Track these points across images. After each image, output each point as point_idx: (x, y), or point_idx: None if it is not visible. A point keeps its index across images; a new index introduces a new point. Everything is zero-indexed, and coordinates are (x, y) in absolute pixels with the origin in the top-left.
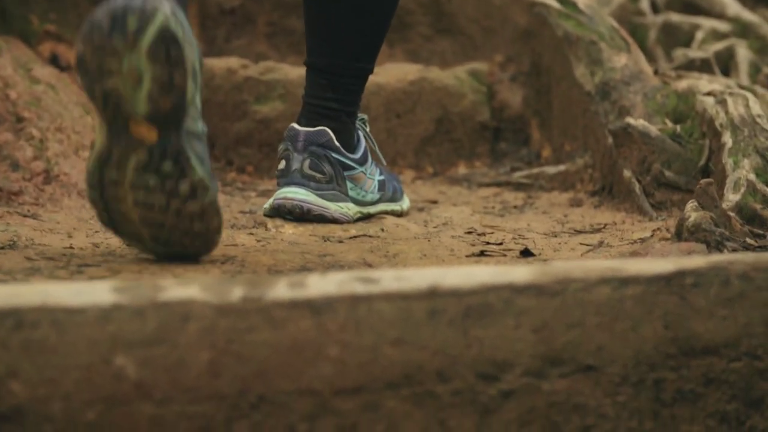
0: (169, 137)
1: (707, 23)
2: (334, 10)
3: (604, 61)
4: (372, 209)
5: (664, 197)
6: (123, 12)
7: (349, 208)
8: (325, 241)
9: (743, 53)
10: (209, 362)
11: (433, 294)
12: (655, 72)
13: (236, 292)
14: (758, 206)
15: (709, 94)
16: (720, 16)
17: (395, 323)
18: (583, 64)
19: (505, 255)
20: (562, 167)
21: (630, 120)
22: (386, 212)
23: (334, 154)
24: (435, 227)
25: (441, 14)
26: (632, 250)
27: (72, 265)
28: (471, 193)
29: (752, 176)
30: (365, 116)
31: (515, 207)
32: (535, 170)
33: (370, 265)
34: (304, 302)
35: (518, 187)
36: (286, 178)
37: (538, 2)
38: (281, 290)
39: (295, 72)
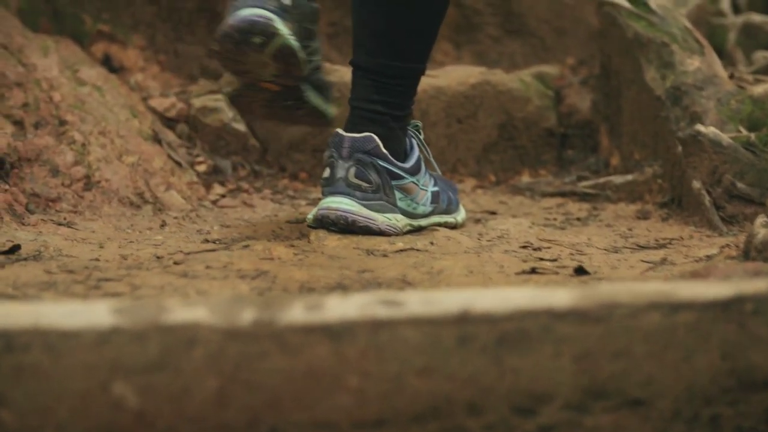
0: (288, 88)
1: None
2: (379, 4)
3: (676, 65)
4: (423, 222)
5: (735, 210)
6: (249, 30)
7: (397, 220)
8: (368, 254)
9: None
10: (216, 391)
11: (463, 319)
12: (731, 76)
13: (246, 315)
14: None
15: None
16: None
17: (421, 351)
18: (653, 67)
19: (557, 273)
20: (629, 177)
21: (700, 127)
22: (439, 224)
23: (381, 162)
24: (489, 241)
25: (510, 14)
26: (693, 270)
27: (91, 279)
28: (533, 203)
29: None
30: (419, 123)
31: (578, 219)
32: (602, 180)
33: (409, 283)
34: (321, 327)
35: (583, 197)
36: (330, 187)
37: (607, 2)
38: (296, 313)
39: (349, 73)
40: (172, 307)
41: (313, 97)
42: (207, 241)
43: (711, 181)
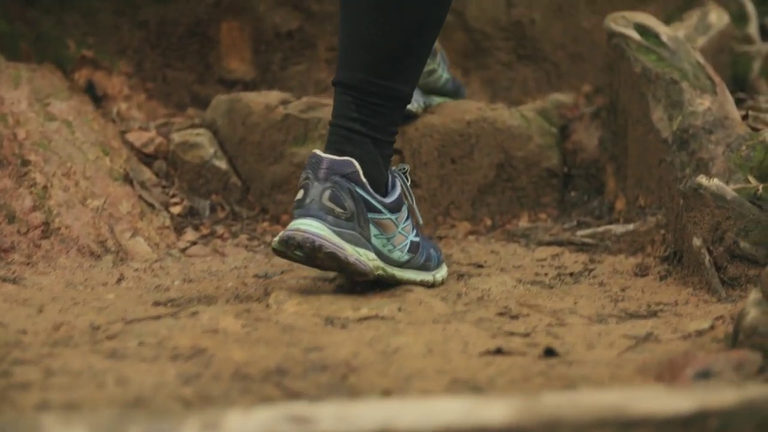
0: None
1: None
2: (359, 19)
3: (685, 104)
4: (398, 273)
5: (738, 272)
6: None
7: (369, 258)
8: (326, 324)
9: None
10: None
11: None
12: (745, 116)
13: None
14: None
15: None
16: None
17: None
18: (661, 106)
19: (524, 354)
20: (630, 227)
21: (702, 180)
22: (415, 281)
23: (358, 189)
24: (465, 305)
25: (523, 39)
26: (670, 358)
27: (6, 361)
28: (527, 253)
29: None
30: (407, 166)
31: (571, 274)
32: (601, 229)
33: (356, 369)
34: None
35: (581, 247)
36: (301, 209)
37: (616, 32)
38: None
39: None
40: (48, 425)
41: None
42: (158, 303)
43: (713, 238)
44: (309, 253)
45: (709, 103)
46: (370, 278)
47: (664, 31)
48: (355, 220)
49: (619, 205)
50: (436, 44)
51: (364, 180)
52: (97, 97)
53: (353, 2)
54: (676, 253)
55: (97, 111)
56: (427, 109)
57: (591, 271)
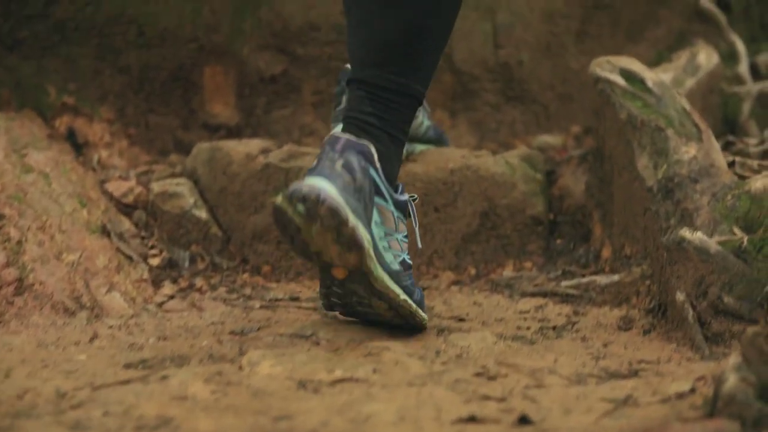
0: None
1: None
2: (371, 15)
3: (670, 152)
4: (386, 279)
5: (722, 328)
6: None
7: (367, 240)
8: (299, 388)
9: None
10: None
11: None
12: (732, 164)
13: None
14: None
15: None
16: None
17: None
18: (646, 153)
19: (498, 422)
20: (615, 277)
21: (685, 233)
22: (398, 298)
23: (371, 170)
24: (443, 363)
25: (511, 80)
26: (647, 428)
27: None
28: (510, 304)
29: None
30: (416, 196)
31: (553, 328)
32: (586, 279)
33: None
34: None
35: (566, 298)
36: (312, 172)
37: (602, 78)
38: None
39: None
40: None
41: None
42: (129, 365)
43: (696, 292)
44: (311, 208)
45: (694, 150)
46: (363, 257)
47: (649, 76)
48: (363, 195)
49: (606, 253)
50: None
51: (378, 164)
52: (77, 145)
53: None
54: (660, 305)
55: (76, 160)
56: (409, 157)
57: (574, 324)
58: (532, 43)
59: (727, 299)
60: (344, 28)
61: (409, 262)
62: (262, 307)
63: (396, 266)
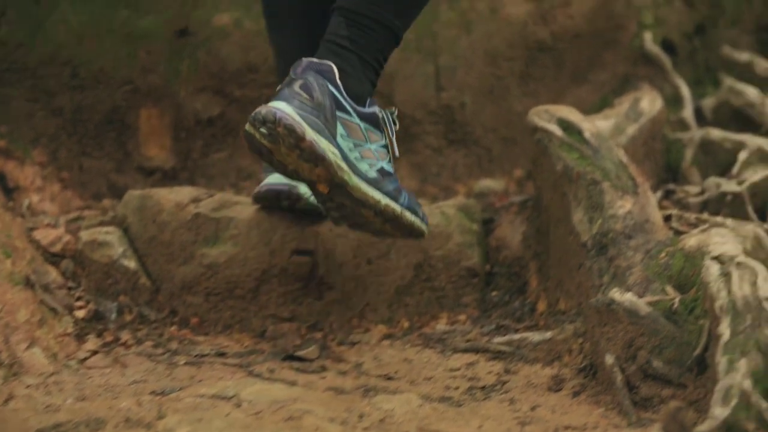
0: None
1: (753, 142)
2: None
3: (605, 206)
4: (364, 186)
5: (650, 392)
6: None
7: (330, 150)
8: None
9: None
10: None
11: None
12: (668, 218)
13: None
14: (751, 427)
15: (717, 258)
16: None
17: None
18: (582, 207)
19: None
20: (548, 334)
21: (615, 295)
22: (379, 202)
23: (330, 86)
24: (365, 429)
25: (453, 123)
26: None
27: None
28: (441, 361)
29: (748, 384)
30: (394, 109)
31: (482, 388)
32: (518, 336)
33: None
34: None
35: (497, 355)
36: (273, 96)
37: (539, 127)
38: None
39: (250, 210)
40: None
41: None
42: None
43: (626, 355)
44: (271, 128)
45: (630, 205)
46: (331, 169)
47: (587, 127)
48: (322, 111)
49: (541, 306)
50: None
51: (338, 81)
52: (7, 189)
53: None
54: (592, 365)
55: (5, 205)
56: None
57: (504, 383)
58: (474, 85)
59: (657, 363)
60: None
61: (389, 169)
62: (187, 363)
63: (373, 174)
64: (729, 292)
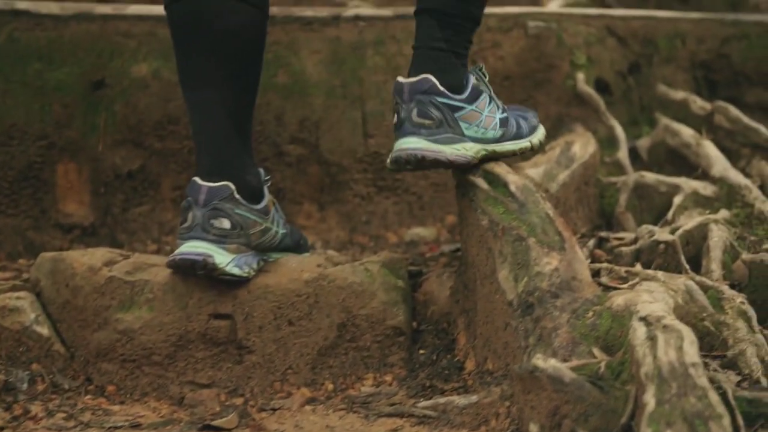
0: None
1: (687, 185)
2: None
3: (531, 264)
4: (498, 148)
5: None
6: (192, 266)
7: (467, 149)
8: None
9: (718, 236)
10: None
11: None
12: (597, 273)
13: None
14: None
15: (644, 319)
16: (706, 171)
17: None
18: (507, 264)
19: None
20: (474, 398)
21: (538, 362)
22: (515, 152)
23: (439, 99)
24: None
25: (382, 170)
26: None
27: None
28: (365, 427)
29: None
30: (481, 64)
31: None
32: (443, 400)
33: None
34: None
35: (423, 419)
36: (399, 131)
37: (463, 180)
38: None
39: (165, 272)
40: None
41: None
42: None
43: (551, 424)
44: (417, 165)
45: (556, 262)
46: (475, 162)
47: (513, 180)
48: (445, 124)
49: (469, 365)
50: (270, 200)
51: (441, 89)
52: None
53: None
54: (519, 430)
55: None
56: (262, 268)
57: None
58: None
59: None
60: None
61: (504, 115)
62: None
63: (498, 132)
64: (655, 357)
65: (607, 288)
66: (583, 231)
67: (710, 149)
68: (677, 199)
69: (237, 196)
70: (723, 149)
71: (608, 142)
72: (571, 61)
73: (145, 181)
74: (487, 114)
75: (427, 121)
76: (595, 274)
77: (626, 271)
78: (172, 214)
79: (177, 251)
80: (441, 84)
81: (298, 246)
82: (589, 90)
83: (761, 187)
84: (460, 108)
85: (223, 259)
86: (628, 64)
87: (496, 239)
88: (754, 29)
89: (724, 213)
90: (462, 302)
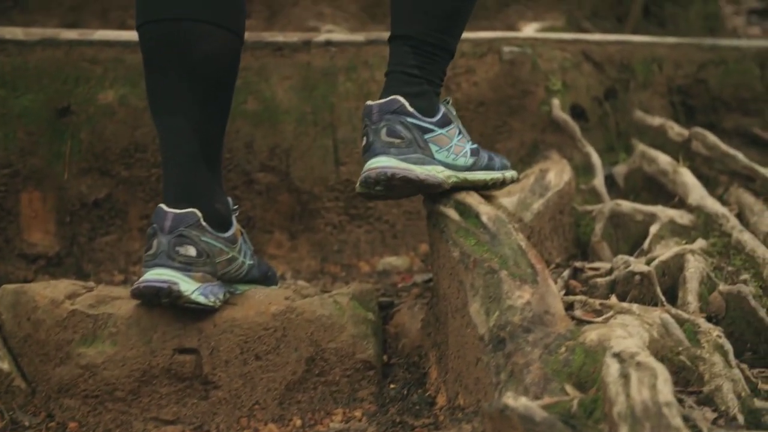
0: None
1: (664, 214)
2: None
3: (503, 297)
4: (469, 176)
5: None
6: (156, 294)
7: (437, 171)
8: None
9: (694, 267)
10: None
11: None
12: (570, 306)
13: None
14: None
15: (617, 356)
16: (683, 200)
17: None
18: (479, 297)
19: None
20: None
21: (509, 400)
22: (486, 181)
23: (409, 119)
24: None
25: (354, 198)
26: None
27: None
28: None
29: None
30: (449, 99)
31: None
32: None
33: None
34: None
35: None
36: (368, 152)
37: (434, 210)
38: None
39: (129, 305)
40: None
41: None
42: None
43: None
44: (386, 184)
45: (528, 295)
46: (446, 187)
47: (485, 210)
48: (414, 144)
49: (441, 400)
50: (237, 229)
51: (411, 110)
52: None
53: None
54: None
55: None
56: (228, 300)
57: None
58: None
59: None
60: None
61: (475, 146)
62: None
63: (470, 161)
64: (628, 396)
65: (580, 322)
66: (557, 261)
67: (687, 177)
68: (653, 228)
69: (203, 223)
70: (700, 176)
71: (584, 170)
72: (546, 86)
73: (111, 209)
74: (456, 143)
75: (396, 140)
76: (569, 307)
77: (600, 304)
78: (140, 243)
79: (141, 279)
80: (411, 105)
81: (266, 278)
82: (564, 116)
83: (739, 216)
84: (431, 130)
85: (189, 287)
86: (604, 90)
87: (467, 272)
88: (731, 54)
89: (701, 243)
90: (434, 335)
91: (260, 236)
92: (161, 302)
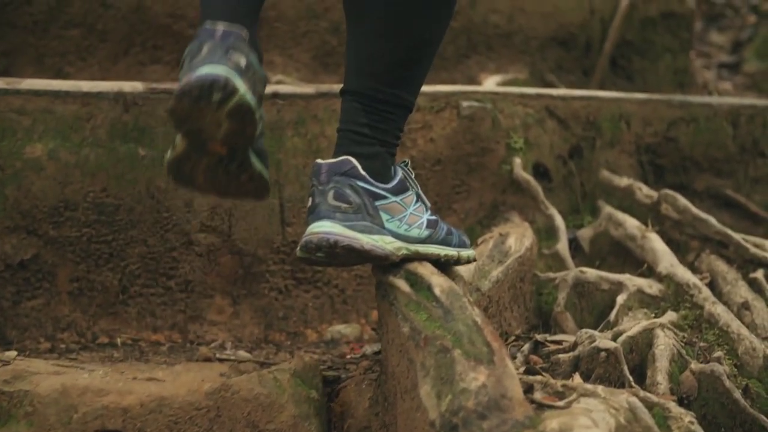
0: (236, 153)
1: (631, 283)
2: (366, 30)
3: (456, 379)
4: (421, 248)
5: None
6: (210, 87)
7: (385, 242)
8: None
9: (664, 343)
10: None
11: None
12: (529, 389)
13: None
14: None
15: None
16: (652, 267)
17: None
18: (430, 378)
19: None
20: None
21: None
22: (439, 256)
23: (359, 183)
24: None
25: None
26: None
27: None
28: None
29: None
30: (407, 160)
31: None
32: None
33: None
34: None
35: None
36: (312, 215)
37: (384, 281)
38: None
39: (48, 382)
40: None
41: (257, 162)
42: None
43: None
44: (328, 252)
45: (484, 377)
46: (395, 260)
47: (437, 282)
48: (363, 210)
49: None
50: None
51: (363, 173)
52: None
53: (365, 20)
54: None
55: None
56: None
57: None
58: None
59: None
60: (105, 207)
61: (433, 217)
62: None
63: (425, 233)
64: None
65: (540, 406)
66: (517, 332)
67: (656, 242)
68: (620, 299)
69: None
70: (670, 241)
71: (547, 233)
72: (507, 144)
73: (38, 272)
74: (412, 212)
75: (343, 205)
76: (528, 389)
77: (563, 386)
78: (69, 308)
79: (193, 74)
80: (363, 168)
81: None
82: (526, 176)
83: (711, 285)
84: (383, 197)
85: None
86: (569, 148)
87: (418, 349)
88: (702, 111)
89: (671, 315)
90: (382, 415)
91: (200, 301)
92: (211, 99)
